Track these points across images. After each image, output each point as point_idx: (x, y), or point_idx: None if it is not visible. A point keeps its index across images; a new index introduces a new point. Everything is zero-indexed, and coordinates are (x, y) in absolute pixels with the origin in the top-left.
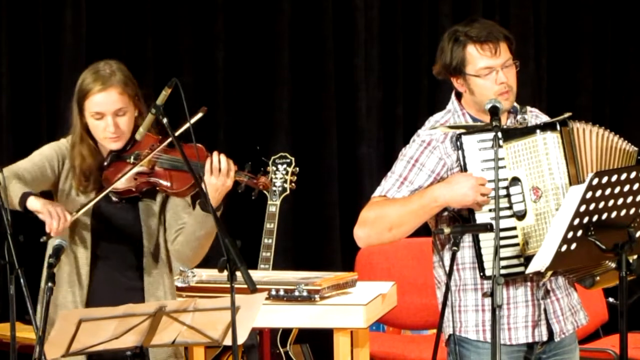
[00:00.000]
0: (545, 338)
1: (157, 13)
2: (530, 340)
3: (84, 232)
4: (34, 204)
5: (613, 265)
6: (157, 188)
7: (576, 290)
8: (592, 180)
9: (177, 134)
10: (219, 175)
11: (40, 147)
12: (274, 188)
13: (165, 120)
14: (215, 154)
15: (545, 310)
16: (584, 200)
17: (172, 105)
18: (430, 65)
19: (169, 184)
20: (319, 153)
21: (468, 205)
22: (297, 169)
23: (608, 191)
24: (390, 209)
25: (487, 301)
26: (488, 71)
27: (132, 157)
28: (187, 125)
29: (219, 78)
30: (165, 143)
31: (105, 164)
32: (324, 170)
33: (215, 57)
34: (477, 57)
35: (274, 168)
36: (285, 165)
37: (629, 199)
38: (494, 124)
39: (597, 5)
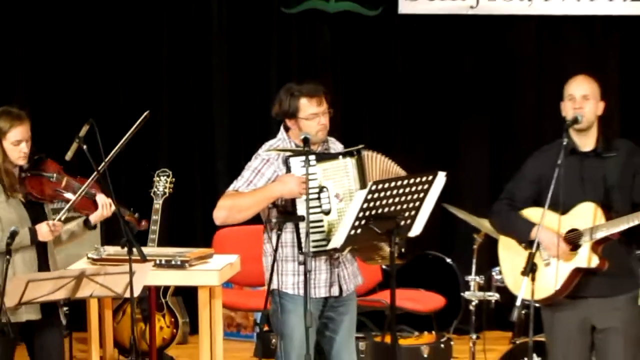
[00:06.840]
0: (337, 293)
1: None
2: (328, 295)
3: (20, 225)
4: (44, 236)
5: (387, 252)
6: (65, 202)
7: (357, 261)
8: (372, 186)
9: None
10: (103, 208)
11: None
12: (158, 192)
13: (84, 147)
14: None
15: (338, 275)
16: (366, 200)
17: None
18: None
19: (75, 203)
20: (188, 168)
21: (295, 195)
22: (174, 179)
23: (382, 194)
24: (242, 199)
25: (301, 268)
26: (313, 116)
27: (54, 176)
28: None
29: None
30: (90, 181)
31: (24, 175)
32: (191, 180)
33: None
34: (307, 106)
35: (158, 178)
36: (165, 177)
37: (397, 199)
38: (306, 148)
39: None
